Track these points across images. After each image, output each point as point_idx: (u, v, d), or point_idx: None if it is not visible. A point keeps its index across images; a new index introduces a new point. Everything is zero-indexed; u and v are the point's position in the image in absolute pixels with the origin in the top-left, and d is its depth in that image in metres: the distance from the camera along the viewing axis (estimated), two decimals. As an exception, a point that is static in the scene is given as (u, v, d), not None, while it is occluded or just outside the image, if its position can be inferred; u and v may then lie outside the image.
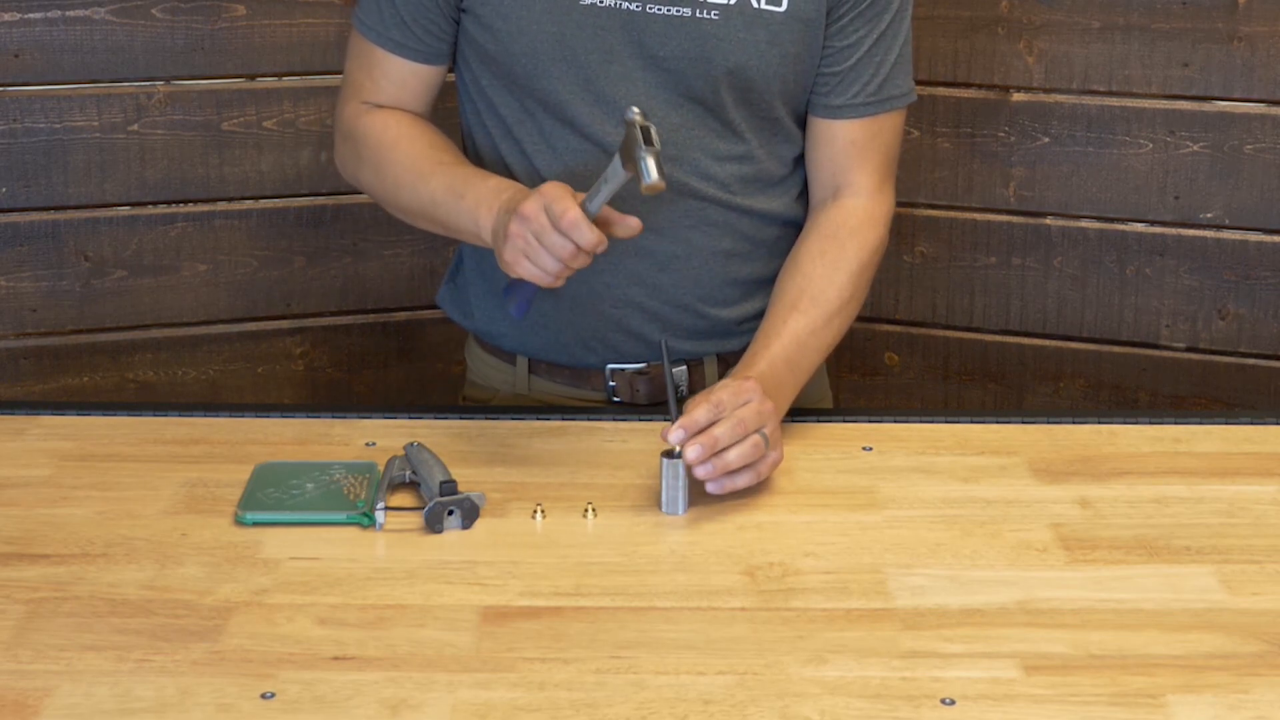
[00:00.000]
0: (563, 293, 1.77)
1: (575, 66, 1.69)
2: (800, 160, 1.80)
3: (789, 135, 1.78)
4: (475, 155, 1.80)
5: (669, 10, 1.67)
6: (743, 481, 1.54)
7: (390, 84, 1.79)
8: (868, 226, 1.77)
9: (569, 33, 1.68)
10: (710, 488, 1.53)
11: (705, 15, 1.67)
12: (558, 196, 1.54)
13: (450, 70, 1.82)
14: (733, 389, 1.56)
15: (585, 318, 1.79)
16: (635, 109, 1.53)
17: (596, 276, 1.75)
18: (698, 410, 1.53)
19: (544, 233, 1.54)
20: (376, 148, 1.78)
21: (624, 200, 1.73)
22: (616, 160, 1.53)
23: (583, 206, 1.54)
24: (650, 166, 1.51)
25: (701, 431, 1.52)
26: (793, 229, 1.82)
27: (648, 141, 1.51)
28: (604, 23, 1.68)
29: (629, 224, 1.58)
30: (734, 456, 1.53)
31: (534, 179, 1.74)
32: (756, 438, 1.54)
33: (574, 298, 1.77)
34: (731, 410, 1.54)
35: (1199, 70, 2.32)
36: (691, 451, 1.51)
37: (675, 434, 1.52)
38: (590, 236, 1.53)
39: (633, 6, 1.67)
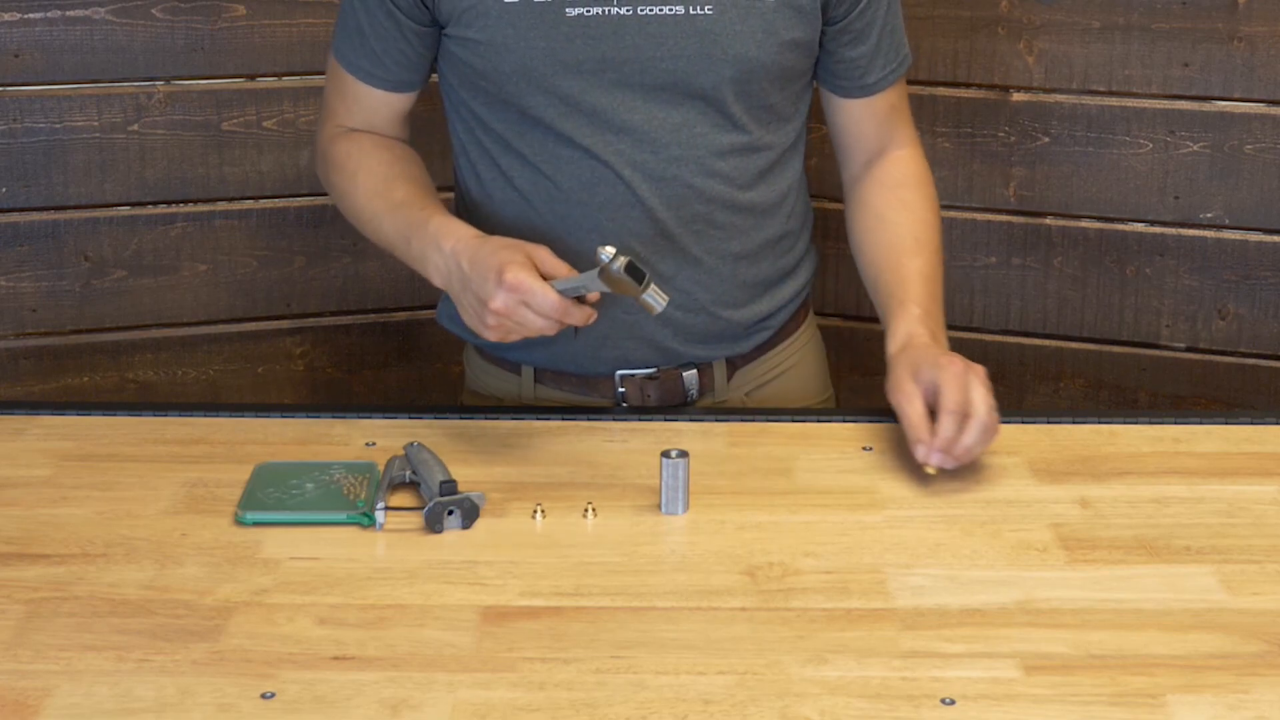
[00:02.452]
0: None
1: (567, 80, 1.68)
2: (794, 145, 1.80)
3: (784, 118, 1.78)
4: (473, 172, 1.79)
5: (662, 10, 1.67)
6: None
7: (362, 110, 1.81)
8: (926, 169, 1.87)
9: (558, 46, 1.67)
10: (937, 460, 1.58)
11: (700, 11, 1.67)
12: (536, 291, 1.53)
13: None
14: (953, 382, 1.59)
15: (597, 325, 1.77)
16: (608, 249, 1.52)
17: None
18: (945, 425, 1.57)
19: (530, 323, 1.55)
20: (340, 178, 1.80)
21: (620, 206, 1.73)
22: (594, 274, 1.53)
23: (555, 288, 1.54)
24: (656, 299, 1.54)
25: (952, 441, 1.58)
26: (795, 223, 1.83)
27: (638, 277, 1.52)
28: (594, 32, 1.67)
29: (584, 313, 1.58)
30: (978, 446, 1.59)
31: (545, 190, 1.73)
32: (995, 417, 1.59)
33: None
34: (963, 406, 1.58)
35: (1199, 70, 2.32)
36: (944, 463, 1.58)
37: (935, 458, 1.57)
38: (579, 315, 1.55)
39: (623, 11, 1.67)
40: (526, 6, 1.66)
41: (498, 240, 1.59)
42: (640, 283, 1.53)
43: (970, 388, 1.59)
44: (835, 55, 1.77)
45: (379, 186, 1.75)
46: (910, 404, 1.60)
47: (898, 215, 1.82)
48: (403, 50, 1.75)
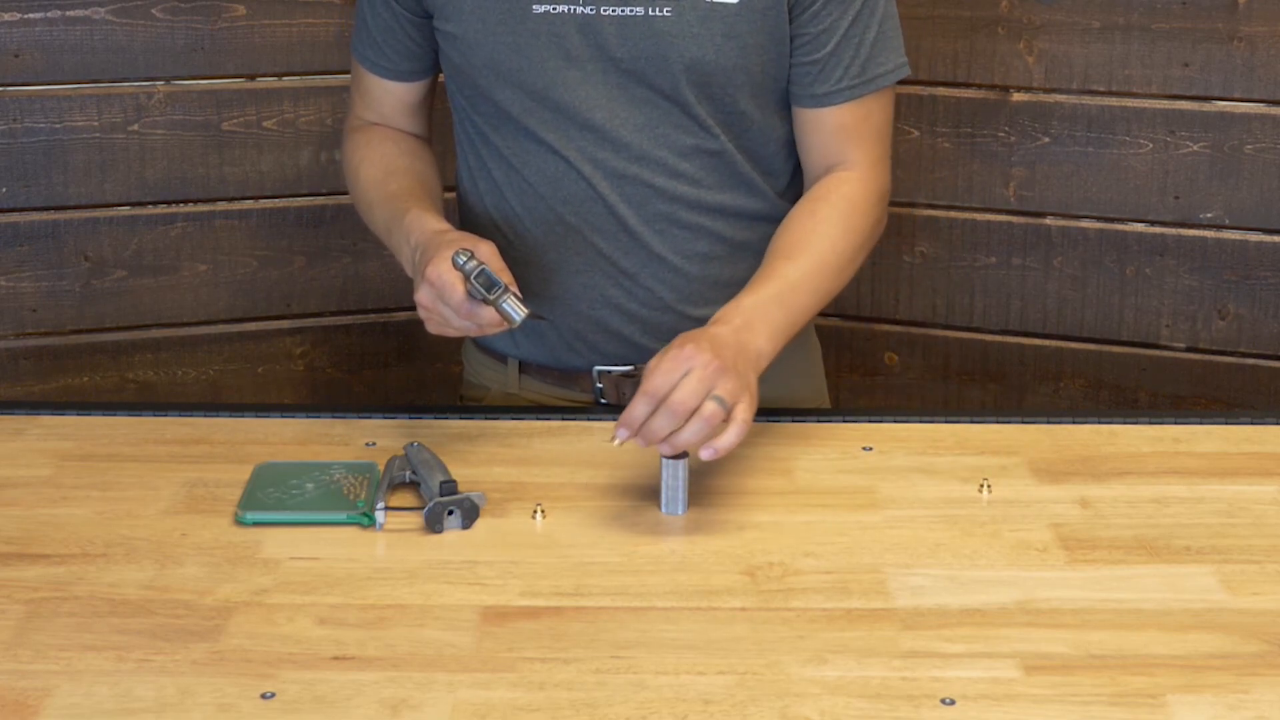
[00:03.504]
0: (544, 294, 1.77)
1: (532, 76, 1.70)
2: (779, 155, 1.79)
3: (760, 128, 1.76)
4: (465, 161, 1.83)
5: (622, 11, 1.67)
6: (722, 446, 1.48)
7: (373, 100, 1.86)
8: (862, 197, 1.73)
9: (524, 42, 1.69)
10: (664, 450, 1.50)
11: (658, 13, 1.67)
12: (447, 285, 1.54)
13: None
14: (665, 368, 1.49)
15: (567, 318, 1.79)
16: (460, 254, 1.53)
17: (575, 277, 1.76)
18: (635, 405, 1.49)
19: (450, 320, 1.56)
20: (349, 168, 1.84)
21: (582, 201, 1.73)
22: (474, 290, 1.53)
23: (468, 294, 1.54)
24: (513, 310, 1.53)
25: (643, 425, 1.48)
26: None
27: (490, 287, 1.52)
28: (559, 29, 1.68)
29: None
30: (688, 436, 1.48)
31: (515, 183, 1.76)
32: (711, 408, 1.48)
33: (555, 299, 1.78)
34: (667, 393, 1.48)
35: (1199, 70, 2.32)
36: (638, 443, 1.49)
37: (620, 433, 1.49)
38: (485, 318, 1.54)
39: (586, 10, 1.67)
40: (495, 1, 1.69)
41: (453, 234, 1.61)
42: (490, 292, 1.52)
43: (670, 373, 1.49)
44: (793, 59, 1.74)
45: (378, 177, 1.78)
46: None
47: (799, 223, 1.72)
48: (400, 39, 1.78)
